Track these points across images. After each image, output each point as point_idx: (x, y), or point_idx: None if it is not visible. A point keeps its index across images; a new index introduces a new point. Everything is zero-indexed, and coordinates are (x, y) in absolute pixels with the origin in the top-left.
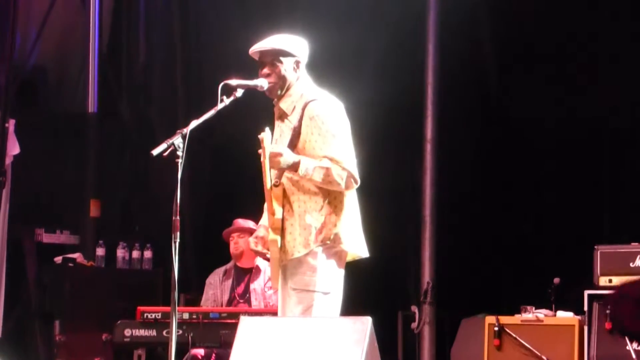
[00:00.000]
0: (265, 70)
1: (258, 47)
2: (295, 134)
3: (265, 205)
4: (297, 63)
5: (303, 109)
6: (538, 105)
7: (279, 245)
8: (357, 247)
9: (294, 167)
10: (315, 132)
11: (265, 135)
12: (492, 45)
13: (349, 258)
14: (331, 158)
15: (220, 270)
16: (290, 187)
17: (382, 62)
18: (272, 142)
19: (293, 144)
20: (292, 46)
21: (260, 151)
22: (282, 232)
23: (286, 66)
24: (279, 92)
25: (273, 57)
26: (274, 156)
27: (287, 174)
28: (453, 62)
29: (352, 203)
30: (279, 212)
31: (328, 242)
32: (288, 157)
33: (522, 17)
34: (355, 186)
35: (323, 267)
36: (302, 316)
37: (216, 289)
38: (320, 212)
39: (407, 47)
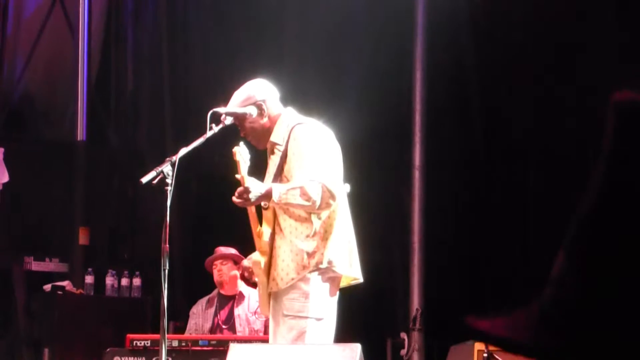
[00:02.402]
0: (241, 133)
1: (228, 122)
2: (283, 157)
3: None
4: (259, 106)
5: (289, 134)
6: (526, 130)
7: (262, 265)
8: (352, 270)
9: (267, 196)
10: (296, 152)
11: (238, 150)
12: (478, 71)
13: (344, 283)
14: (304, 176)
15: (203, 300)
16: (282, 213)
17: (369, 88)
18: (266, 174)
19: (280, 168)
20: (243, 96)
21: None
22: (271, 257)
23: (251, 118)
24: (263, 139)
25: (237, 120)
26: (242, 194)
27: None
28: (440, 88)
29: (344, 226)
30: (266, 234)
31: (321, 266)
32: (257, 189)
33: (508, 42)
34: (333, 202)
35: (316, 292)
36: (294, 343)
37: (198, 318)
38: (313, 236)
39: (394, 73)
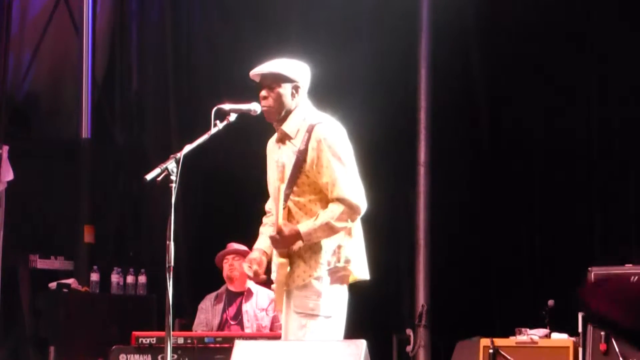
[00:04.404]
0: (263, 93)
1: (258, 70)
2: (302, 157)
3: (262, 229)
4: (297, 88)
5: (309, 132)
6: (530, 128)
7: (288, 269)
8: (362, 270)
9: (295, 239)
10: (322, 155)
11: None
12: (484, 68)
13: (351, 280)
14: (339, 198)
15: (211, 296)
16: (297, 210)
17: (374, 87)
18: (274, 164)
19: (299, 167)
20: (292, 71)
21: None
22: (290, 256)
23: (284, 91)
24: (277, 116)
25: (271, 81)
26: (275, 241)
27: (292, 197)
28: (446, 85)
29: (357, 225)
30: None
31: (338, 264)
32: (288, 238)
33: (513, 41)
34: (362, 211)
35: (328, 291)
36: (304, 340)
37: (207, 313)
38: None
39: (399, 71)
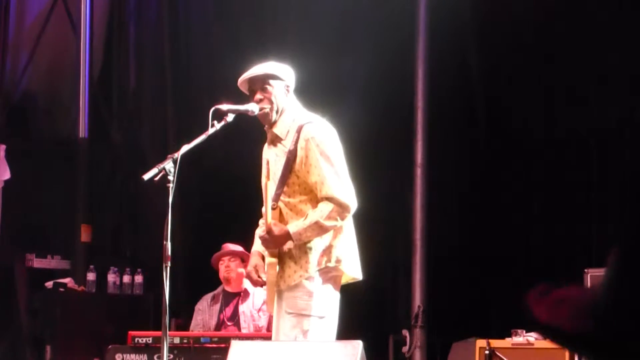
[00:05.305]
0: (258, 96)
1: (247, 75)
2: (292, 157)
3: (257, 231)
4: (287, 87)
5: (298, 132)
6: (529, 128)
7: (277, 269)
8: (355, 269)
9: (285, 240)
10: (311, 154)
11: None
12: (481, 69)
13: (344, 281)
14: (328, 197)
15: (208, 296)
16: (288, 211)
17: (371, 87)
18: (265, 165)
19: (289, 168)
20: (280, 71)
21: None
22: (280, 255)
23: (277, 90)
24: (273, 117)
25: (263, 82)
26: (265, 241)
27: (283, 197)
28: (443, 86)
29: (349, 225)
30: None
31: (329, 264)
32: (278, 238)
33: (511, 40)
34: (352, 209)
35: (319, 291)
36: (296, 340)
37: (204, 314)
38: (322, 235)
39: (396, 72)
